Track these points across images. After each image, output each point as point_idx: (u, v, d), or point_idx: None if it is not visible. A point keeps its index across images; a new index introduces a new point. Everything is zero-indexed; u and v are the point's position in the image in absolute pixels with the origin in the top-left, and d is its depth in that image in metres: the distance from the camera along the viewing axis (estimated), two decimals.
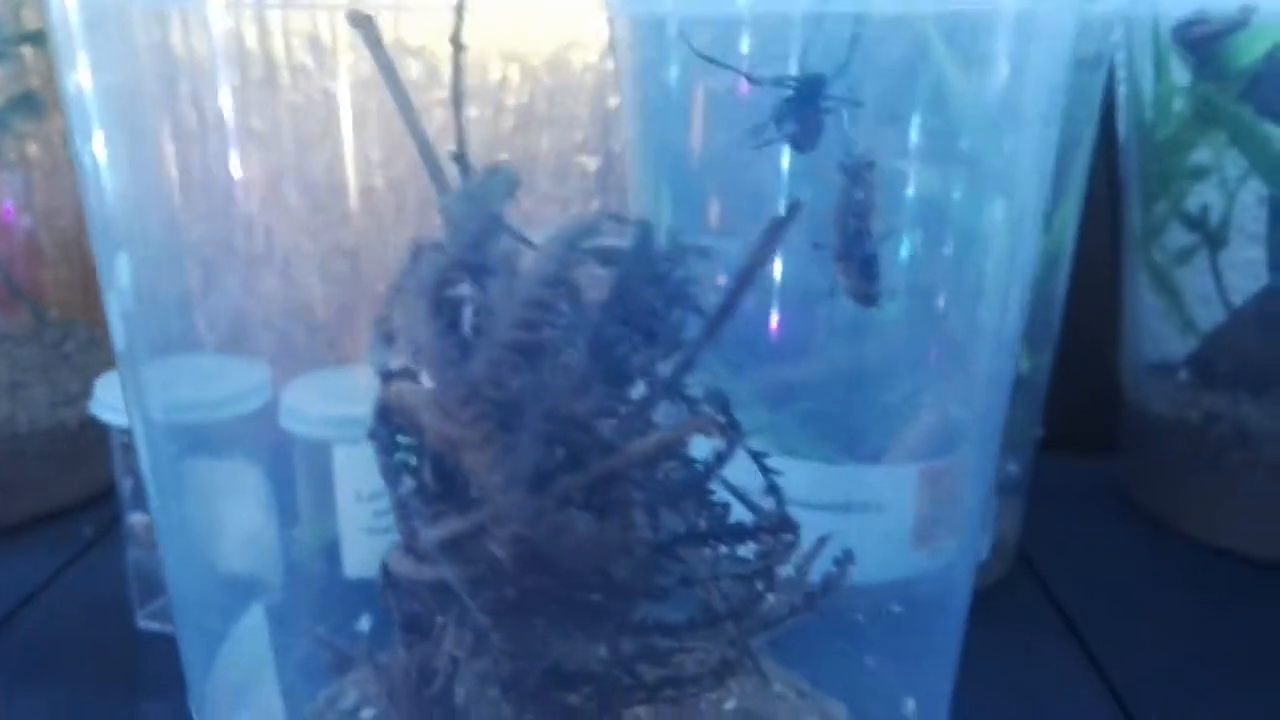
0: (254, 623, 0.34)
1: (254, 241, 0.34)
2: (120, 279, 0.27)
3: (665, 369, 0.21)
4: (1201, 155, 0.56)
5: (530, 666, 0.25)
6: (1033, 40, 0.25)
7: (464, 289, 0.20)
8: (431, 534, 0.22)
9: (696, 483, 0.22)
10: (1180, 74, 0.55)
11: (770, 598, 0.26)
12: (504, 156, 0.50)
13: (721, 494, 0.23)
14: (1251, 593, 0.52)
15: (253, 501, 0.39)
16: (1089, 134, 0.49)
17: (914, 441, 0.50)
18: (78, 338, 0.62)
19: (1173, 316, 0.61)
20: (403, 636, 0.30)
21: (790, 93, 0.25)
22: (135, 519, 0.46)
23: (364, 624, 0.36)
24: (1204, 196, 0.58)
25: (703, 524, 0.22)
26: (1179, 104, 0.55)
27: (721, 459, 0.22)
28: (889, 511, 0.42)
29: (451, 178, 0.24)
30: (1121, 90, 0.61)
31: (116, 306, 0.27)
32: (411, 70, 0.53)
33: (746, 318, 0.42)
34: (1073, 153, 0.49)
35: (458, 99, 0.22)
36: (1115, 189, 0.63)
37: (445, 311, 0.20)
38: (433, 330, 0.20)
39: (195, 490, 0.35)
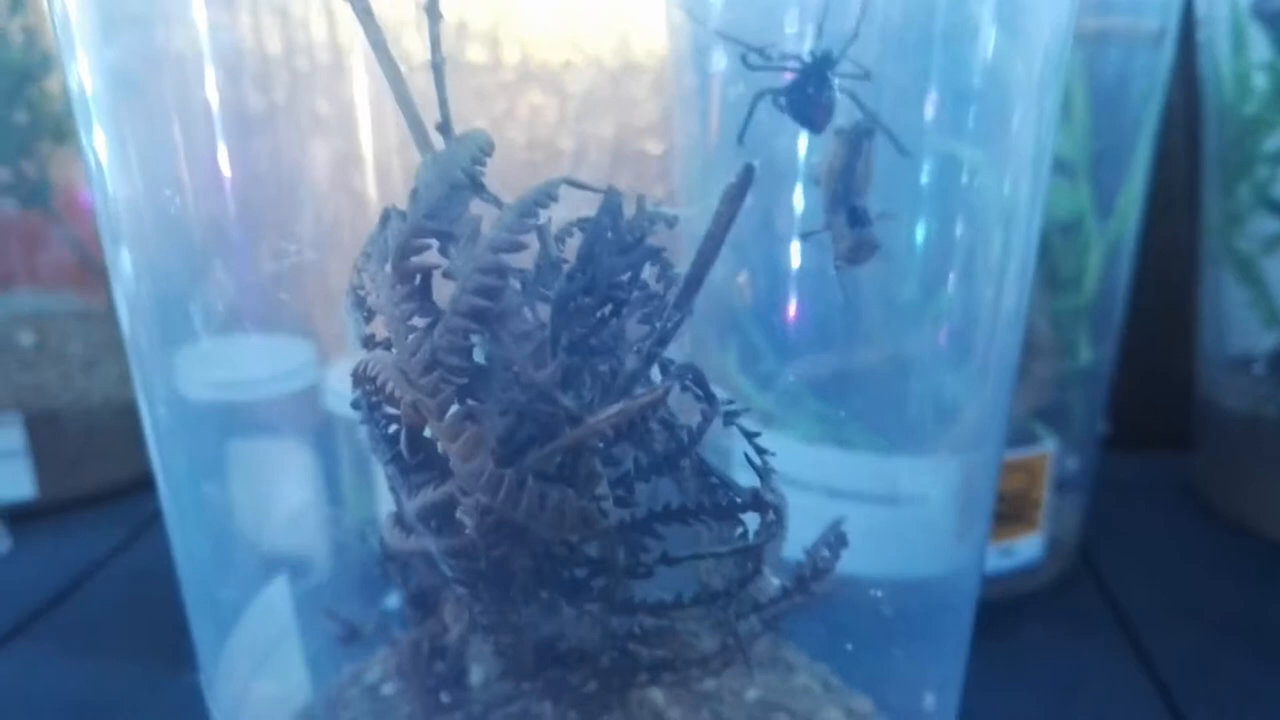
0: (274, 597, 0.34)
1: (317, 226, 0.34)
2: (124, 269, 0.27)
3: (641, 340, 0.21)
4: None
5: (518, 640, 0.25)
6: (1022, 7, 0.24)
7: (431, 256, 0.20)
8: (411, 504, 0.22)
9: (672, 458, 0.22)
10: (1261, 49, 0.52)
11: (774, 580, 0.26)
12: (568, 141, 0.50)
13: (710, 472, 0.23)
14: None
15: (294, 480, 0.39)
16: (1153, 114, 0.47)
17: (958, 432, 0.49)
18: None
19: (1257, 308, 0.58)
20: (410, 612, 0.30)
21: (797, 73, 0.24)
22: None
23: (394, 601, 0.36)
24: None
25: (676, 502, 0.22)
26: (1259, 82, 0.52)
27: (697, 434, 0.22)
28: (934, 503, 0.41)
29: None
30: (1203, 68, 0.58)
31: (121, 295, 0.28)
32: (477, 55, 0.53)
33: (797, 308, 0.41)
34: (1134, 134, 0.47)
35: (438, 70, 0.22)
36: (1194, 174, 0.60)
37: (408, 278, 0.20)
38: (394, 296, 0.19)
39: (236, 468, 0.35)
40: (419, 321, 0.20)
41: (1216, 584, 0.51)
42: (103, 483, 0.59)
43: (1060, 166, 0.46)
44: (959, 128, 0.26)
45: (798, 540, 0.27)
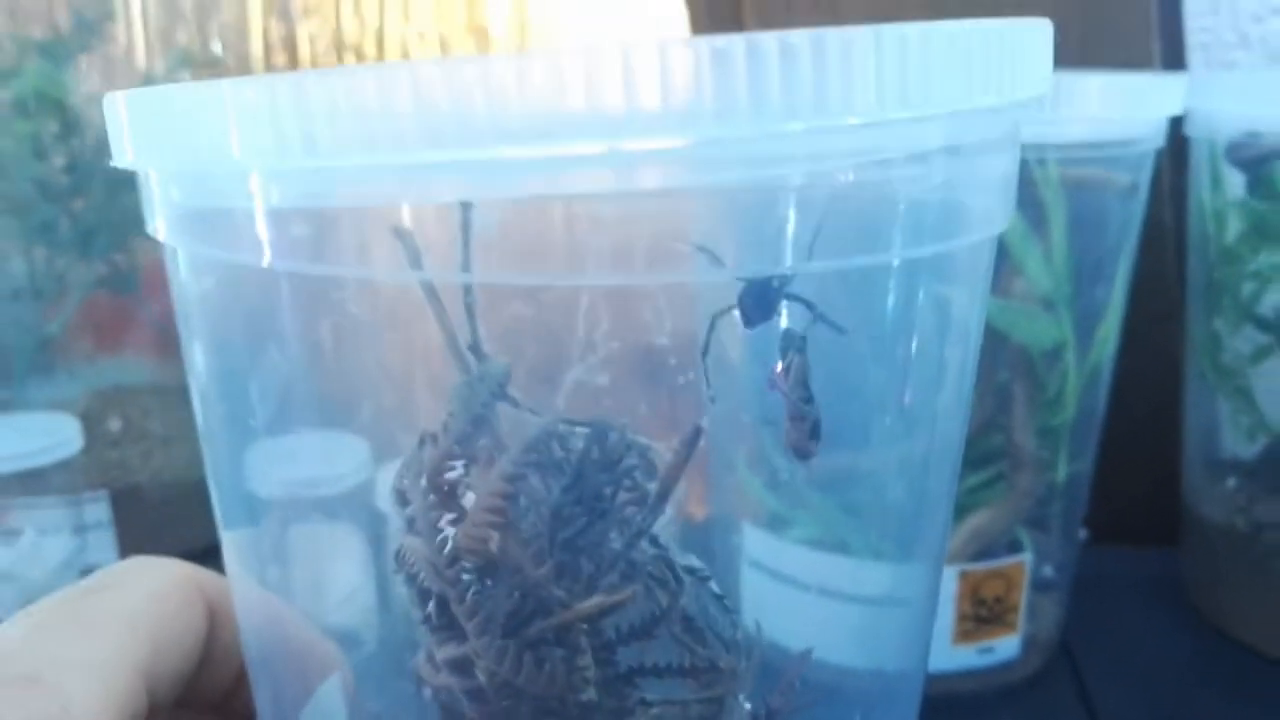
0: (327, 701, 0.39)
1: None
2: (197, 363, 0.31)
3: (619, 540, 0.26)
4: (1262, 264, 0.57)
5: None
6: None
7: (459, 472, 0.26)
8: (439, 653, 0.28)
9: (648, 628, 0.27)
10: (1237, 188, 0.56)
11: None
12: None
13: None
14: None
15: (344, 574, 0.45)
16: (1127, 257, 0.52)
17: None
18: None
19: (1244, 416, 0.62)
20: None
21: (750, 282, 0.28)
22: None
23: None
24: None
25: (649, 662, 0.27)
26: (1235, 217, 0.57)
27: (667, 611, 0.27)
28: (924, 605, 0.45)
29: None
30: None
31: (194, 388, 0.31)
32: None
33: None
34: (1110, 277, 0.51)
35: (470, 306, 0.27)
36: (1183, 289, 0.64)
37: (439, 489, 0.25)
38: (426, 505, 0.25)
39: (296, 560, 0.41)
40: (446, 523, 0.25)
41: (1191, 684, 0.55)
42: (176, 550, 0.65)
43: (1043, 301, 0.51)
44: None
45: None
